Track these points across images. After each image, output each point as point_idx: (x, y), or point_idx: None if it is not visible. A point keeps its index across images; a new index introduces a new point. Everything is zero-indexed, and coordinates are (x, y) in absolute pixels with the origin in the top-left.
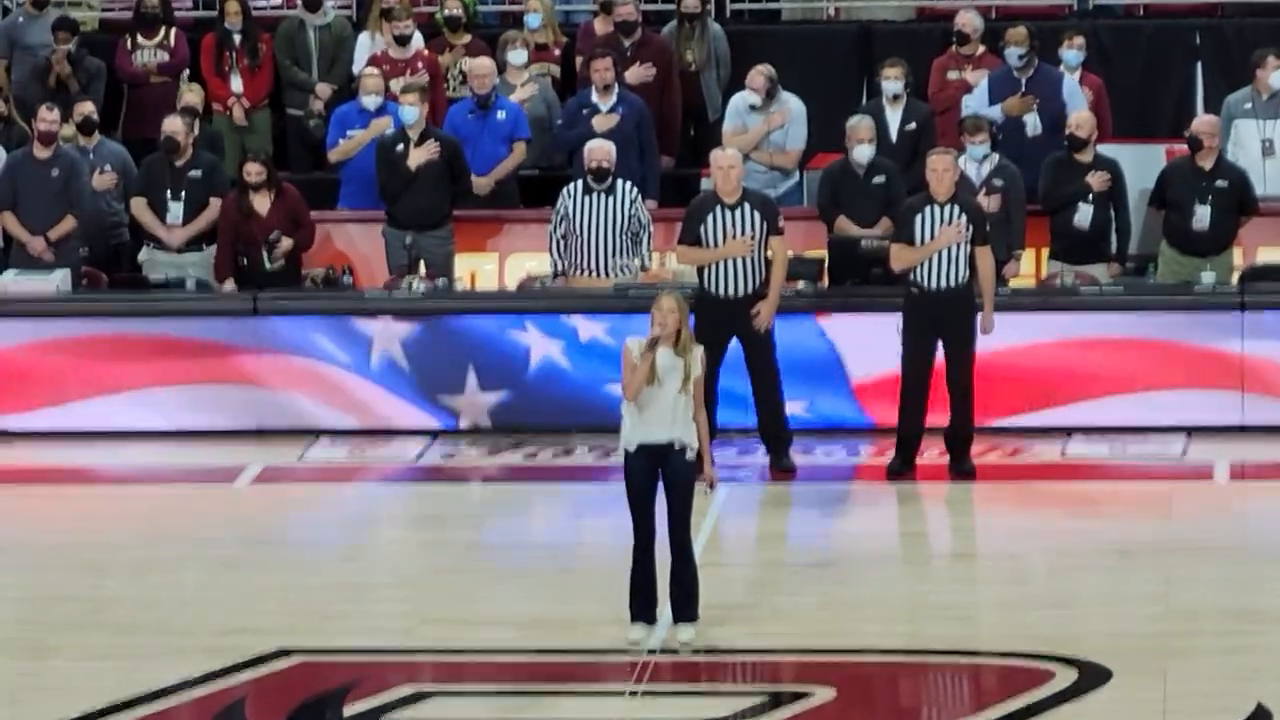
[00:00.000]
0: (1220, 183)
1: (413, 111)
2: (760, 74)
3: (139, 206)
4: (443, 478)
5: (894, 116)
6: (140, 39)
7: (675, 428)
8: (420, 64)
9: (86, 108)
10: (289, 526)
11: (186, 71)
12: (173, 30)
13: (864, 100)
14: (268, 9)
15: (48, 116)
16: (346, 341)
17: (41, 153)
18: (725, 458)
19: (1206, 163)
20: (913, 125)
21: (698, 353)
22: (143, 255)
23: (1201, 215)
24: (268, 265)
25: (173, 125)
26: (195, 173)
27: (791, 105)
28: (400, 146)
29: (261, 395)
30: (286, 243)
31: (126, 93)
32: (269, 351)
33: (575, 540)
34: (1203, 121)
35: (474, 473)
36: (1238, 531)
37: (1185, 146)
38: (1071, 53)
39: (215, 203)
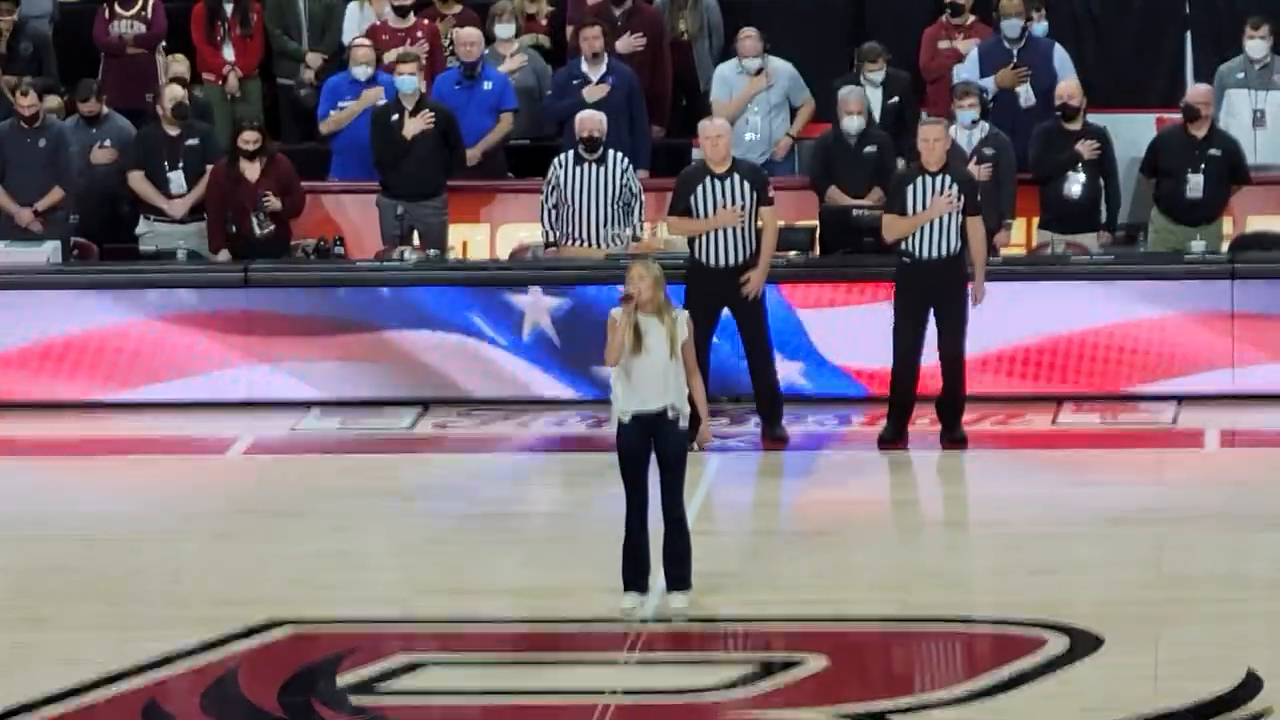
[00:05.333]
0: (1213, 151)
1: (410, 81)
2: (750, 38)
3: (137, 179)
4: (435, 448)
5: (876, 95)
6: (118, 9)
7: (668, 394)
8: (420, 34)
9: (93, 106)
10: (281, 497)
11: (163, 44)
12: (150, 1)
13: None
14: None
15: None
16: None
17: (28, 124)
18: (717, 427)
19: (1199, 131)
20: (895, 100)
21: (680, 316)
22: (141, 228)
23: (1195, 184)
24: (257, 231)
25: (175, 93)
26: (192, 141)
27: (778, 65)
28: (395, 116)
29: (255, 366)
30: (275, 201)
31: (104, 62)
32: (263, 320)
33: (568, 509)
34: (1198, 91)
35: (466, 443)
36: (1228, 499)
37: (1176, 115)
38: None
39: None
